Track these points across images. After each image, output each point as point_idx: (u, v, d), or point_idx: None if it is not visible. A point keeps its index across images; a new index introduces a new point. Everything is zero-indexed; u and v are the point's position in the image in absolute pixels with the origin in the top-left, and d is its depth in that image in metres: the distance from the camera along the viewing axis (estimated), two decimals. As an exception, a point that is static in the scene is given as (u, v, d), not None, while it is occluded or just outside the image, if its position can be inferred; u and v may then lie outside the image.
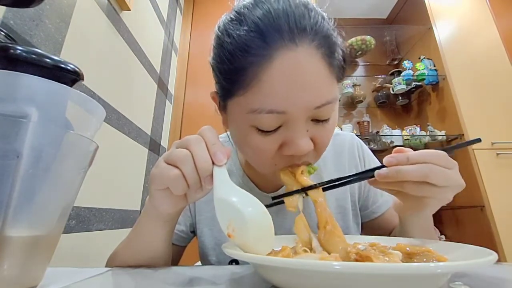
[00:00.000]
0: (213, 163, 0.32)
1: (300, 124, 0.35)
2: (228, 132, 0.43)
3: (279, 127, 0.36)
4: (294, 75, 0.33)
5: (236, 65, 0.35)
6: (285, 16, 0.33)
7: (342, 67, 0.38)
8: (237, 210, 0.28)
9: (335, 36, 0.37)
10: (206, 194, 0.34)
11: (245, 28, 0.34)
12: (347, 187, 0.56)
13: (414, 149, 0.36)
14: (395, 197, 0.39)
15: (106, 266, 0.42)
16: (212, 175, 0.32)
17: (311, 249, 0.32)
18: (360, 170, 0.58)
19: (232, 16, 0.37)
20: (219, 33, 0.38)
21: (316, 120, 0.37)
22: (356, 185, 0.57)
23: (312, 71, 0.34)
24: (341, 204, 0.56)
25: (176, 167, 0.32)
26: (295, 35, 0.33)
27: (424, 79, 1.86)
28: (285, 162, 0.39)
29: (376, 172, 0.35)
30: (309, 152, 0.37)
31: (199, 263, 0.65)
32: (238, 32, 0.35)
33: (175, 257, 0.55)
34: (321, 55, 0.34)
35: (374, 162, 0.61)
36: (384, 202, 0.57)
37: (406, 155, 0.34)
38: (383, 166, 0.35)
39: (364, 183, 0.56)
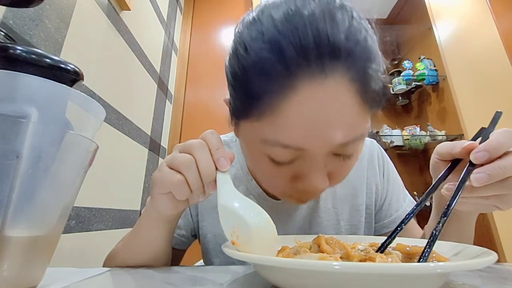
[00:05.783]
0: (216, 168, 0.31)
1: (318, 160, 0.31)
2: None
3: (295, 158, 0.32)
4: (318, 112, 0.28)
5: (250, 87, 0.30)
6: (316, 35, 0.26)
7: (379, 100, 0.32)
8: (240, 217, 0.28)
9: (377, 63, 0.30)
10: (208, 197, 0.34)
11: (264, 45, 0.28)
12: (365, 198, 0.52)
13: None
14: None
15: (103, 266, 0.42)
16: (215, 180, 0.31)
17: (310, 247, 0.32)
18: (379, 180, 0.54)
19: (252, 20, 0.31)
20: (236, 39, 0.32)
21: (337, 154, 0.32)
22: (374, 195, 0.53)
23: (340, 108, 0.28)
24: (355, 217, 0.52)
25: (179, 172, 0.31)
26: (325, 63, 0.26)
27: (424, 79, 1.86)
28: (296, 193, 0.36)
29: (474, 179, 0.28)
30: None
31: (199, 262, 0.65)
32: (256, 46, 0.28)
33: (175, 261, 0.54)
34: (355, 89, 0.28)
35: (393, 172, 0.56)
36: (398, 218, 0.52)
37: (494, 144, 0.28)
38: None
39: (382, 192, 0.53)
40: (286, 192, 0.37)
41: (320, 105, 0.28)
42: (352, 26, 0.28)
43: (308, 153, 0.31)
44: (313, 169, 0.32)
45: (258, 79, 0.29)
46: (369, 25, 0.31)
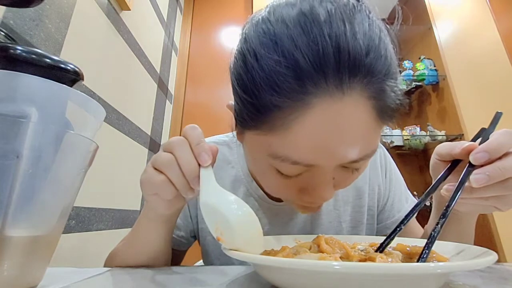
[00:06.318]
0: (199, 164, 0.30)
1: (327, 174, 0.31)
2: (235, 132, 0.39)
3: (304, 171, 0.31)
4: (333, 130, 0.27)
5: (260, 101, 0.27)
6: (335, 48, 0.24)
7: (393, 115, 0.30)
8: (221, 214, 0.27)
9: (395, 77, 0.28)
10: (197, 193, 0.33)
11: (277, 57, 0.25)
12: (367, 200, 0.52)
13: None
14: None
15: (104, 266, 0.42)
16: (199, 176, 0.30)
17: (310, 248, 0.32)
18: (381, 181, 0.53)
19: (262, 22, 0.29)
20: (244, 42, 0.30)
21: (345, 167, 0.32)
22: (376, 196, 0.52)
23: (355, 126, 0.27)
24: (357, 218, 0.51)
25: (162, 172, 0.30)
26: (343, 80, 0.25)
27: (424, 79, 1.86)
28: (301, 201, 0.36)
29: (474, 180, 0.28)
30: None
31: (199, 262, 0.65)
32: (267, 56, 0.26)
33: (176, 261, 0.54)
34: (372, 106, 0.27)
35: (395, 173, 0.55)
36: (400, 218, 0.52)
37: (494, 145, 0.28)
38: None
39: (384, 193, 0.53)
40: (291, 198, 0.36)
41: (335, 124, 0.26)
42: (373, 34, 0.26)
43: (317, 168, 0.30)
44: (321, 182, 0.32)
45: (269, 93, 0.26)
46: (385, 30, 0.29)
